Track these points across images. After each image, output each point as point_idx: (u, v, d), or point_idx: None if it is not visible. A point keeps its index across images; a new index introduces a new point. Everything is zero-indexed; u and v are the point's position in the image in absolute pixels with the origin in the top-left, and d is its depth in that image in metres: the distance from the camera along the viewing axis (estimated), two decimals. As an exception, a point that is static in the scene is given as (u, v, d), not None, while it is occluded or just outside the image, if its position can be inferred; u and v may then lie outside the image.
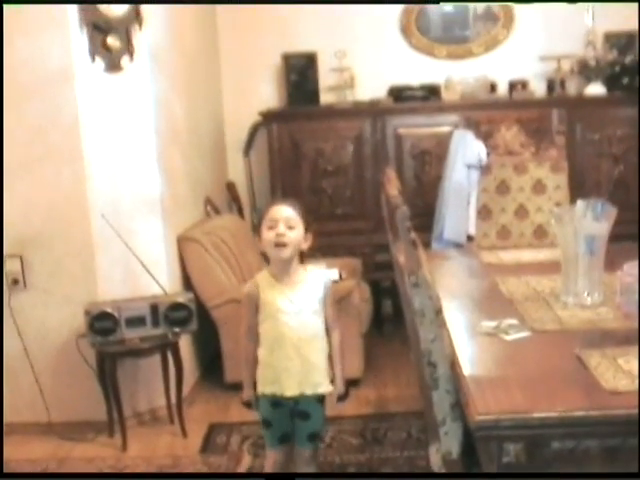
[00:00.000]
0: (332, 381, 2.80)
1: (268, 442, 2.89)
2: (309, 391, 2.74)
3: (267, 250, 2.73)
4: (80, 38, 3.65)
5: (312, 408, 2.78)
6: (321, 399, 2.79)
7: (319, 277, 2.79)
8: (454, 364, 2.11)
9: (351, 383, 4.11)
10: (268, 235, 2.68)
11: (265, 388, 2.77)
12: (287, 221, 2.67)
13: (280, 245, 2.66)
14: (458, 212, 4.30)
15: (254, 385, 2.81)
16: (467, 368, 2.11)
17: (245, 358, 2.84)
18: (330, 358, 2.80)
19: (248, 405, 2.86)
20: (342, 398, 2.83)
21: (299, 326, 2.71)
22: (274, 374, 2.74)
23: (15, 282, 3.82)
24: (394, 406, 4.04)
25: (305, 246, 2.74)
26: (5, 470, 3.50)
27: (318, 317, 2.76)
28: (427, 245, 4.30)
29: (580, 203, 2.69)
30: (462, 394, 1.98)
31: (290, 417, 2.80)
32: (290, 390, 2.73)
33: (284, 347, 2.71)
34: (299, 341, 2.71)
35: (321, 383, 2.76)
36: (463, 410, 1.99)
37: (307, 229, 2.73)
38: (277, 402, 2.77)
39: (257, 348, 2.78)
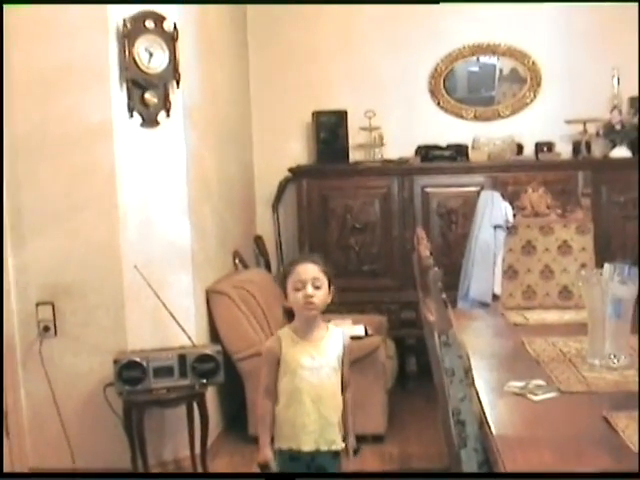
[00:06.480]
0: (343, 437, 2.81)
1: None
2: (324, 447, 2.75)
3: (295, 309, 2.76)
4: (119, 94, 3.77)
5: (329, 464, 2.78)
6: (337, 455, 2.80)
7: (340, 335, 2.82)
8: (482, 423, 2.14)
9: (374, 439, 4.17)
10: (296, 296, 2.71)
11: (282, 444, 2.76)
12: (314, 281, 2.70)
13: (310, 305, 2.70)
14: (484, 271, 4.32)
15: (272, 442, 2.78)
16: (496, 427, 2.13)
17: (262, 416, 2.81)
18: (342, 414, 2.81)
19: (264, 467, 2.79)
20: (356, 452, 2.86)
21: (318, 383, 2.73)
22: (292, 430, 2.74)
23: (46, 329, 3.88)
24: (417, 463, 4.03)
25: (329, 300, 2.77)
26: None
27: (336, 374, 2.77)
28: (452, 303, 4.32)
29: (607, 266, 2.72)
30: (491, 453, 2.00)
31: (307, 470, 2.79)
32: (307, 445, 2.73)
33: (302, 403, 2.72)
34: (318, 398, 2.72)
35: (335, 440, 2.77)
36: (491, 469, 2.01)
37: (330, 284, 2.76)
38: (294, 456, 2.77)
39: (275, 405, 2.77)
